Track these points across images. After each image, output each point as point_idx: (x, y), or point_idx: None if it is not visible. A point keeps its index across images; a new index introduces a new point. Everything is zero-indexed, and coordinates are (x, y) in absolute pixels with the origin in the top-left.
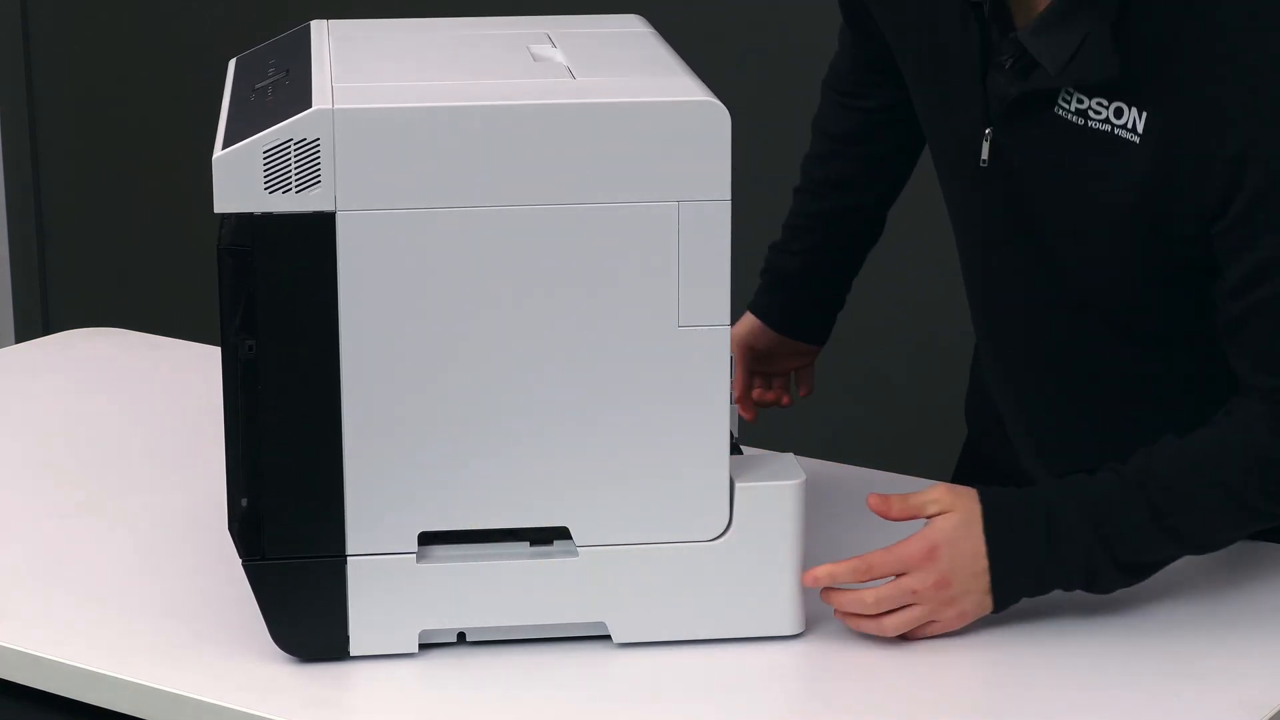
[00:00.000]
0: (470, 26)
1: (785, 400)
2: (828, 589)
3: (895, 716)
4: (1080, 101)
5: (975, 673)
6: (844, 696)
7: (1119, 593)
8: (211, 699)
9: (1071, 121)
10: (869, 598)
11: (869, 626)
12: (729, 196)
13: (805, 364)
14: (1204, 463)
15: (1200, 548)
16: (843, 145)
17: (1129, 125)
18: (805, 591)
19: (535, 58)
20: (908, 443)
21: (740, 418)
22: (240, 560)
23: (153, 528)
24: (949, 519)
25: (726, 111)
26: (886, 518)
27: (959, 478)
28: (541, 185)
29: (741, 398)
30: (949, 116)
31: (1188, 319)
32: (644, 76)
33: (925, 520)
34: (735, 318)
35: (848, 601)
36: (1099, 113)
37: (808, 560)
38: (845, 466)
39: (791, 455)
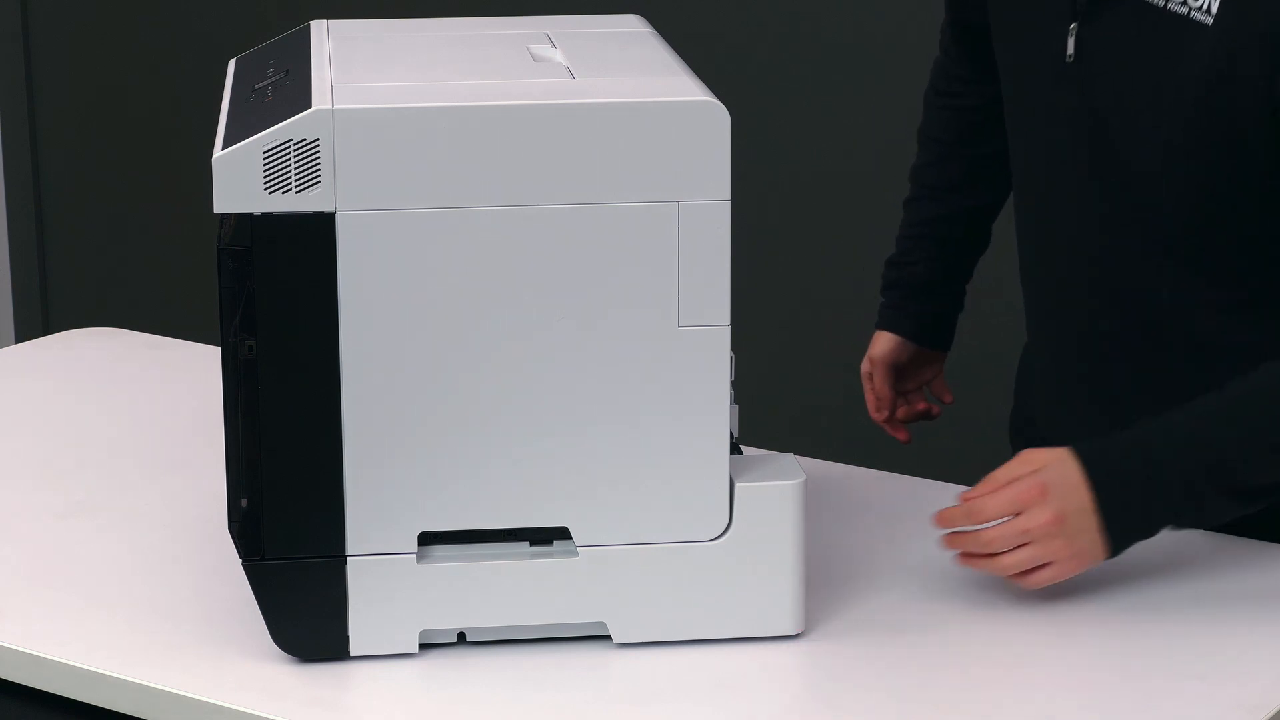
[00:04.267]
0: (470, 26)
1: (935, 410)
2: (950, 534)
3: (895, 716)
4: None
5: (975, 673)
6: (844, 696)
7: (1118, 594)
8: (211, 699)
9: (1151, 4)
10: (984, 537)
11: (986, 565)
12: (729, 196)
13: (938, 374)
14: None
15: None
16: (952, 148)
17: (1203, 6)
18: (805, 591)
19: (535, 58)
20: (908, 443)
21: None
22: (240, 560)
23: (153, 528)
24: (1052, 467)
25: (726, 111)
26: (981, 520)
27: None
28: (541, 185)
29: (890, 419)
30: (1033, 18)
31: (1260, 260)
32: (644, 76)
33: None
34: (735, 318)
35: (967, 542)
36: None
37: (808, 560)
38: (845, 466)
39: (791, 455)
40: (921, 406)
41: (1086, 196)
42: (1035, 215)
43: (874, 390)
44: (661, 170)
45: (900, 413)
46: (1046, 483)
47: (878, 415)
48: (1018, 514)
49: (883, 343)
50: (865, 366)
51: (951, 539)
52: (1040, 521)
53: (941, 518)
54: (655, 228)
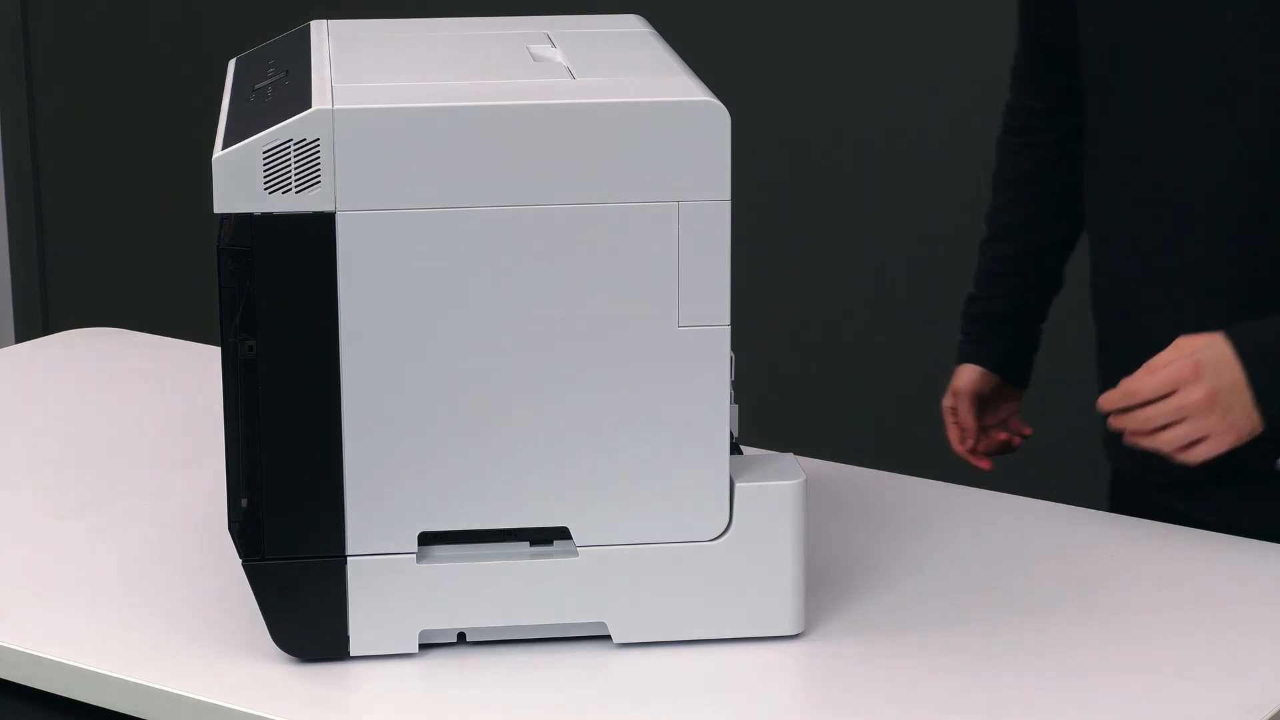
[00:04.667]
0: (470, 26)
1: (1016, 441)
2: (1115, 414)
3: (895, 716)
4: None
5: (975, 673)
6: (844, 696)
7: (1118, 593)
8: (211, 699)
9: None
10: (1141, 415)
11: (1148, 442)
12: (729, 196)
13: (1015, 412)
14: None
15: None
16: (1024, 186)
17: None
18: (805, 591)
19: (535, 58)
20: (909, 442)
21: None
22: (240, 560)
23: (153, 528)
24: (1205, 348)
25: (726, 111)
26: (1138, 400)
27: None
28: (541, 185)
29: (973, 449)
30: None
31: None
32: (644, 76)
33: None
34: (735, 318)
35: (1127, 420)
36: None
37: (808, 560)
38: (845, 466)
39: (791, 455)
40: (1002, 437)
41: (1189, 141)
42: (1128, 188)
43: (958, 422)
44: (661, 170)
45: (981, 445)
46: (1200, 361)
47: (961, 447)
48: (1174, 393)
49: (967, 375)
50: (948, 400)
51: (1116, 418)
52: (1194, 398)
53: (1103, 400)
54: (655, 228)
